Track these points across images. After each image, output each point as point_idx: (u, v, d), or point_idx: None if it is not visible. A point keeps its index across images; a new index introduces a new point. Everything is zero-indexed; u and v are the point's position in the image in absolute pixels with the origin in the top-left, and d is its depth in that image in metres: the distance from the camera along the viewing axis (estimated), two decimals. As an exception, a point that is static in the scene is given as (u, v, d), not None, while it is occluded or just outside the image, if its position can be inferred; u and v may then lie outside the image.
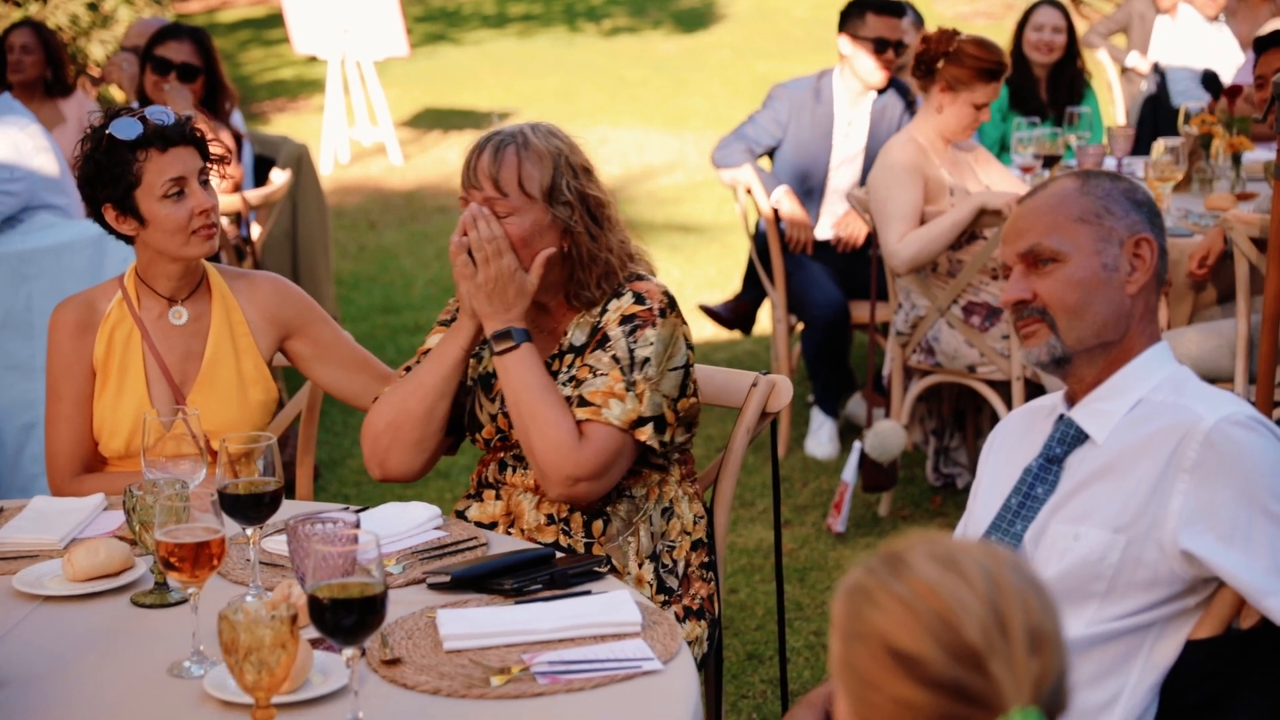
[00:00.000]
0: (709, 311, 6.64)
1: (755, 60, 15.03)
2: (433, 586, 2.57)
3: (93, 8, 10.86)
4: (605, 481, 2.84)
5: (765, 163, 6.29)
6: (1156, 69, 8.25)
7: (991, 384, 5.16)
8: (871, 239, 5.54)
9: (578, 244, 2.91)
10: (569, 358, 2.95)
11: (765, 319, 6.88)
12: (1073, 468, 2.42)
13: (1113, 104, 8.87)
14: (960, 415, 5.62)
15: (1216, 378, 4.62)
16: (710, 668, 3.09)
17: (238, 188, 5.94)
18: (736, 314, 6.59)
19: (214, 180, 3.28)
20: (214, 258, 5.69)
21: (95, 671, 2.32)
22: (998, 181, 5.29)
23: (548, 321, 3.00)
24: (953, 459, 5.61)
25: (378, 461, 3.00)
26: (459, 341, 2.96)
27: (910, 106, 6.17)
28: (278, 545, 2.70)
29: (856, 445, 5.17)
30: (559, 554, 2.70)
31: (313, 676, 2.20)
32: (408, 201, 10.63)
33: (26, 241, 5.05)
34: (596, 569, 2.62)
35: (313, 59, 13.64)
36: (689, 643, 2.88)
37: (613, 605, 2.44)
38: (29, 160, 5.19)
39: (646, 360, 2.86)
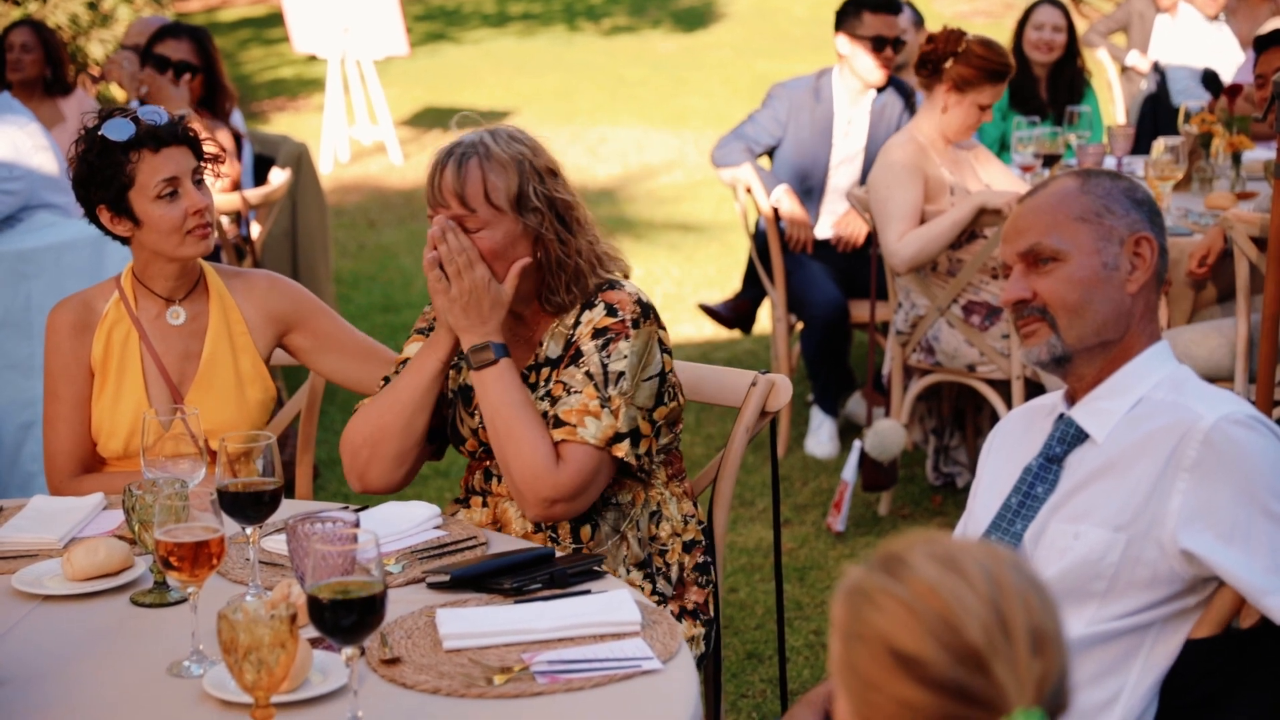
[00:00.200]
0: (709, 310, 6.64)
1: (755, 59, 15.03)
2: (432, 586, 2.57)
3: (92, 7, 10.86)
4: (583, 501, 2.81)
5: (765, 162, 6.29)
6: (1156, 68, 8.25)
7: (991, 383, 5.16)
8: (871, 238, 5.53)
9: (548, 250, 2.87)
10: (545, 371, 2.91)
11: (765, 318, 6.88)
12: (1073, 467, 2.42)
13: (1113, 103, 8.87)
14: (960, 414, 5.62)
15: (1217, 377, 4.62)
16: (709, 667, 3.08)
17: (237, 187, 5.94)
18: (736, 313, 6.59)
19: (209, 179, 3.27)
20: (214, 257, 5.72)
21: (95, 671, 2.32)
22: (998, 180, 5.29)
23: (523, 330, 2.96)
24: (953, 458, 5.61)
25: (357, 475, 2.97)
26: (437, 354, 2.92)
27: (910, 105, 6.17)
28: (277, 544, 2.69)
29: (856, 444, 5.17)
30: (558, 553, 2.70)
31: (312, 676, 2.20)
32: (407, 200, 10.63)
33: (26, 240, 5.05)
34: (596, 568, 2.62)
35: (312, 58, 13.64)
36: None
37: (612, 605, 2.44)
38: (28, 159, 5.19)
39: (621, 375, 2.82)
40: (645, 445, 2.85)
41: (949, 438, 5.61)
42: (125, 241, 3.25)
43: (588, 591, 2.54)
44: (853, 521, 5.30)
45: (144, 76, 5.80)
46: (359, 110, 11.82)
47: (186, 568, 2.27)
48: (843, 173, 6.20)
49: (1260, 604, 2.24)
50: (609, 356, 2.83)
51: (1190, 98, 7.47)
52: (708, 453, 5.92)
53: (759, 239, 6.28)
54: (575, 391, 2.82)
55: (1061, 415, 2.46)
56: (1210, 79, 7.29)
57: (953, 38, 5.03)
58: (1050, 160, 5.72)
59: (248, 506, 2.46)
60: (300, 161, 6.52)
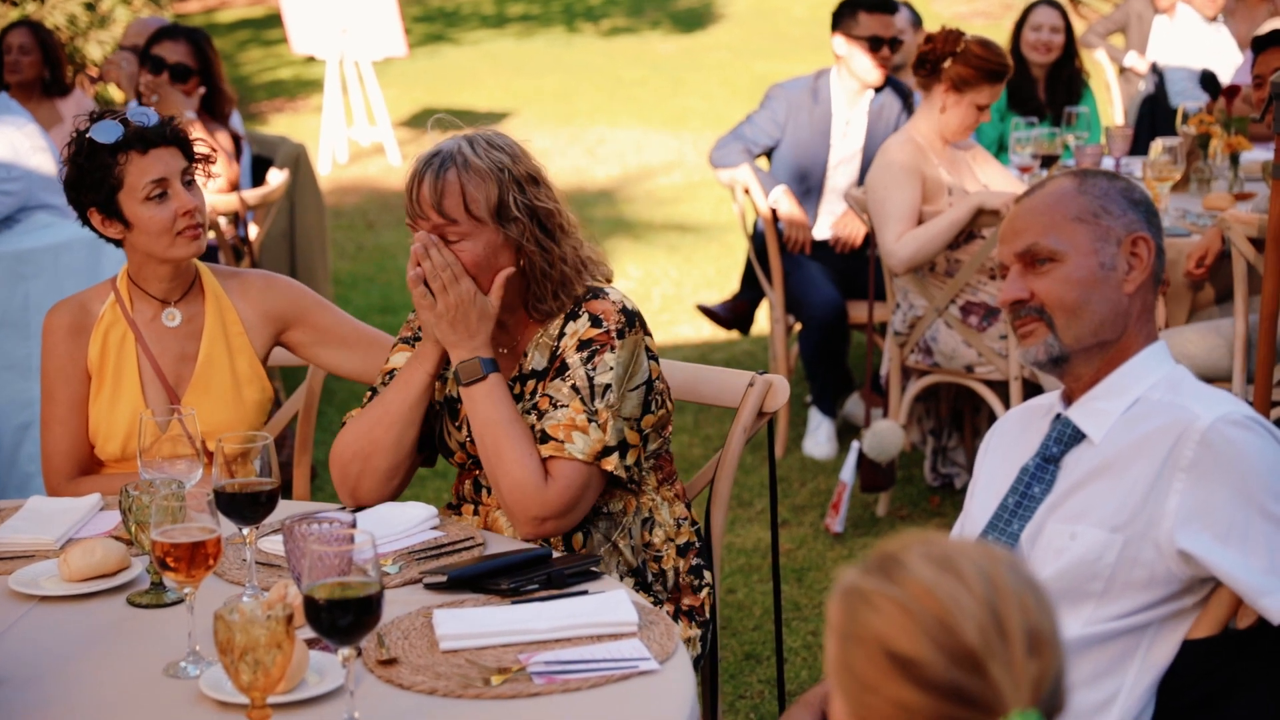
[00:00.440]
0: (707, 311, 6.64)
1: (753, 60, 15.03)
2: (429, 586, 2.57)
3: (90, 8, 10.86)
4: (573, 516, 2.79)
5: (763, 163, 6.29)
6: (1155, 69, 8.25)
7: (989, 384, 5.16)
8: (870, 239, 5.53)
9: (530, 259, 2.83)
10: (530, 383, 2.88)
11: (763, 319, 6.87)
12: (1069, 467, 2.42)
13: (1111, 104, 8.87)
14: (958, 415, 5.62)
15: (1214, 377, 4.63)
16: (705, 669, 3.08)
17: (235, 188, 5.94)
18: (734, 314, 6.59)
19: (200, 180, 3.25)
20: (212, 258, 5.72)
21: (91, 672, 2.32)
22: (996, 181, 5.29)
23: (506, 339, 2.92)
24: (950, 459, 5.61)
25: (348, 491, 2.94)
26: (425, 367, 2.89)
27: (908, 106, 6.17)
28: (274, 545, 2.69)
29: (854, 445, 5.17)
30: (555, 554, 2.69)
31: (309, 676, 2.20)
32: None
33: (24, 241, 5.06)
34: (593, 569, 2.62)
35: (311, 59, 13.64)
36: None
37: (609, 605, 2.44)
38: (26, 160, 5.19)
39: (607, 387, 2.79)
40: (634, 456, 2.83)
41: (947, 438, 5.61)
42: (118, 244, 3.25)
43: (585, 592, 2.53)
44: (851, 522, 5.30)
45: (147, 83, 5.80)
46: (357, 111, 11.82)
47: (183, 568, 2.27)
48: (841, 173, 6.20)
49: (1257, 604, 2.24)
50: (594, 369, 2.80)
51: (1188, 99, 7.48)
52: (706, 453, 5.92)
53: (757, 240, 6.28)
54: (562, 406, 2.79)
55: (1058, 415, 2.46)
56: (1208, 80, 7.29)
57: (951, 38, 5.03)
58: (1048, 161, 5.72)
59: (244, 507, 2.46)
60: (298, 162, 6.52)
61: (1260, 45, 5.28)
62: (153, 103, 5.75)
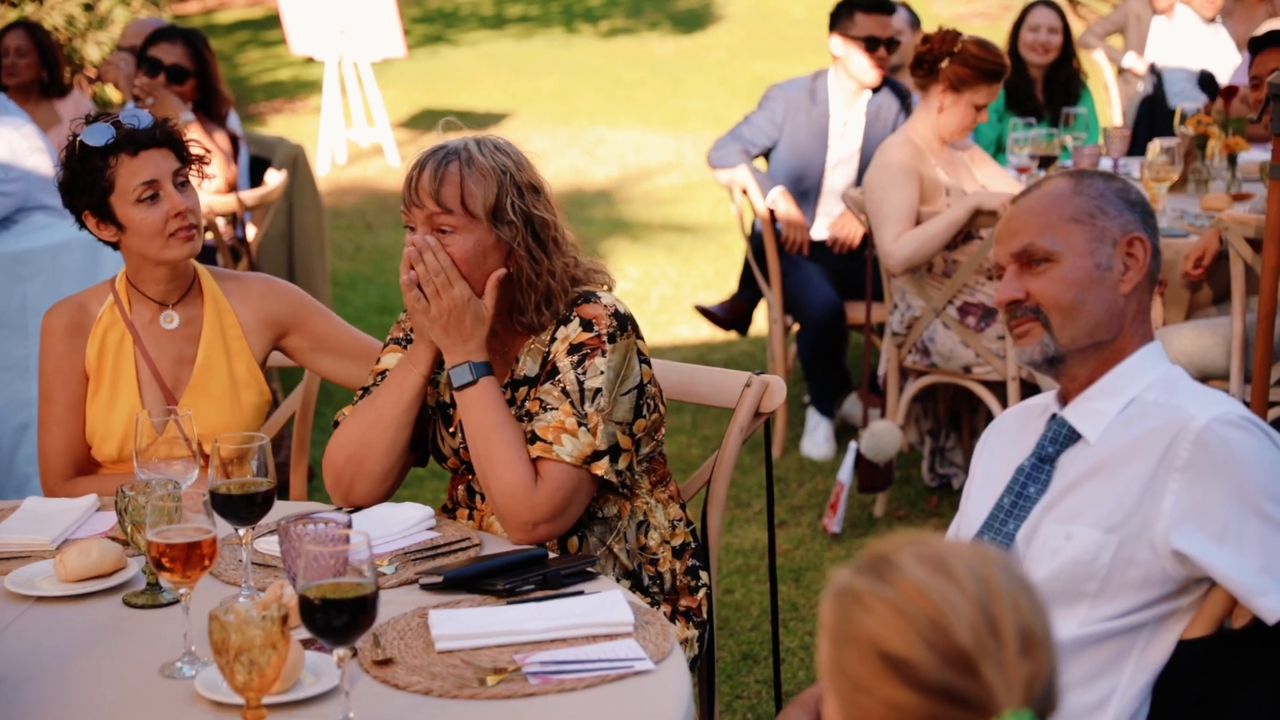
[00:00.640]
0: (705, 312, 6.64)
1: (752, 61, 15.03)
2: (425, 587, 2.57)
3: (88, 8, 10.86)
4: (565, 520, 2.77)
5: (761, 163, 6.29)
6: (1153, 70, 8.26)
7: (987, 384, 5.17)
8: (867, 239, 5.54)
9: (519, 265, 2.82)
10: (522, 390, 2.87)
11: (761, 320, 6.88)
12: (1065, 467, 2.42)
13: (1109, 105, 8.88)
14: (956, 415, 5.62)
15: (1211, 376, 4.63)
16: (703, 669, 3.08)
17: (233, 188, 5.94)
18: (732, 315, 6.59)
19: (195, 181, 3.25)
20: (210, 259, 5.72)
21: (87, 672, 2.32)
22: (994, 181, 5.29)
23: (499, 345, 2.90)
24: (948, 459, 5.61)
25: (342, 494, 2.93)
26: (418, 369, 2.88)
27: (906, 106, 6.17)
28: (270, 546, 2.69)
29: (852, 446, 5.17)
30: (551, 554, 2.69)
31: (304, 677, 2.20)
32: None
33: (22, 242, 5.06)
34: (589, 569, 2.62)
35: (310, 60, 13.65)
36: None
37: (605, 605, 2.44)
38: (24, 161, 5.19)
39: (597, 391, 2.78)
40: (626, 460, 2.82)
41: (945, 439, 5.61)
42: (115, 246, 3.25)
43: (580, 592, 2.54)
44: (848, 523, 5.30)
45: (142, 86, 5.80)
46: (356, 112, 11.82)
47: (178, 569, 2.27)
48: (838, 174, 6.20)
49: (1252, 604, 2.24)
50: (584, 373, 2.78)
51: (1187, 99, 7.48)
52: (703, 454, 5.91)
53: (755, 240, 6.28)
54: (552, 408, 2.78)
55: (1054, 415, 2.46)
56: (1207, 81, 7.30)
57: (948, 38, 5.04)
58: (1046, 162, 5.72)
59: (240, 508, 2.46)
60: (296, 163, 6.53)
61: (1257, 46, 5.28)
62: (148, 105, 5.76)
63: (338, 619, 2.03)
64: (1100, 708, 2.33)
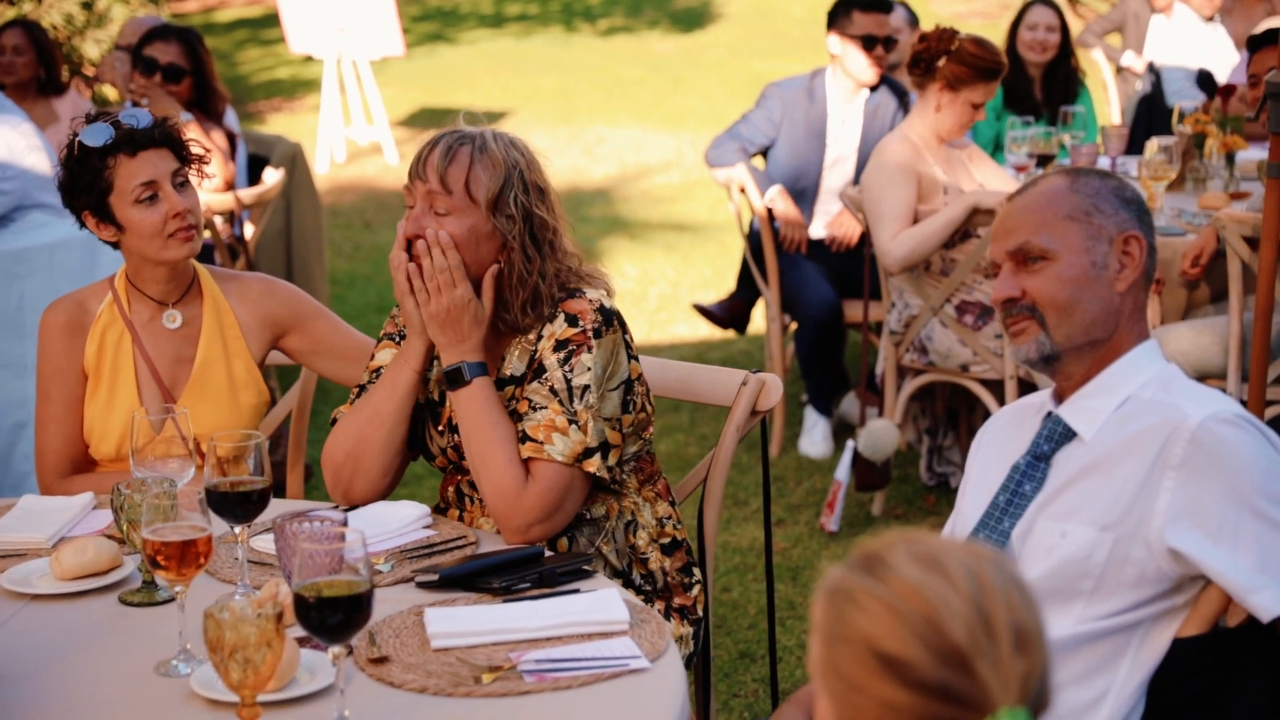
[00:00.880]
0: (703, 311, 6.64)
1: (752, 59, 15.03)
2: (421, 585, 2.57)
3: (87, 7, 10.85)
4: (559, 519, 2.77)
5: (759, 162, 6.29)
6: (1151, 68, 8.25)
7: (985, 383, 5.16)
8: (865, 238, 5.53)
9: (511, 261, 2.82)
10: (509, 389, 2.86)
11: (759, 318, 6.88)
12: (1060, 465, 2.42)
13: (1107, 103, 8.88)
14: (953, 414, 5.62)
15: (1209, 374, 4.63)
16: (699, 667, 3.08)
17: (231, 187, 5.94)
18: (731, 313, 6.59)
19: (194, 181, 3.24)
20: (208, 258, 5.72)
21: (83, 670, 2.32)
22: (992, 180, 5.29)
23: (487, 339, 2.87)
24: (946, 458, 5.61)
25: (341, 492, 2.93)
26: (411, 364, 2.87)
27: (903, 105, 6.17)
28: (266, 544, 2.69)
29: (850, 444, 5.17)
30: (547, 552, 2.69)
31: (299, 675, 2.20)
32: (403, 201, 10.61)
33: (19, 240, 5.06)
34: (585, 567, 2.62)
35: (308, 58, 13.64)
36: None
37: (600, 603, 2.44)
38: (22, 159, 5.19)
39: (585, 388, 2.77)
40: (616, 456, 2.82)
41: (942, 437, 5.61)
42: (115, 246, 3.25)
43: (576, 590, 2.53)
44: (846, 521, 5.30)
45: (138, 85, 5.80)
46: (355, 111, 11.81)
47: (174, 567, 2.27)
48: (836, 173, 6.20)
49: (1247, 602, 2.24)
50: (572, 371, 2.78)
51: (1185, 98, 7.47)
52: (701, 452, 5.91)
53: (753, 239, 6.28)
54: (541, 407, 2.77)
55: (1049, 413, 2.46)
56: (1205, 79, 7.30)
57: (945, 36, 5.03)
58: (1044, 160, 5.72)
59: (236, 506, 2.46)
60: (294, 161, 6.52)
61: (1256, 44, 5.28)
62: (144, 105, 5.75)
63: (333, 617, 2.03)
64: (1096, 706, 2.33)
